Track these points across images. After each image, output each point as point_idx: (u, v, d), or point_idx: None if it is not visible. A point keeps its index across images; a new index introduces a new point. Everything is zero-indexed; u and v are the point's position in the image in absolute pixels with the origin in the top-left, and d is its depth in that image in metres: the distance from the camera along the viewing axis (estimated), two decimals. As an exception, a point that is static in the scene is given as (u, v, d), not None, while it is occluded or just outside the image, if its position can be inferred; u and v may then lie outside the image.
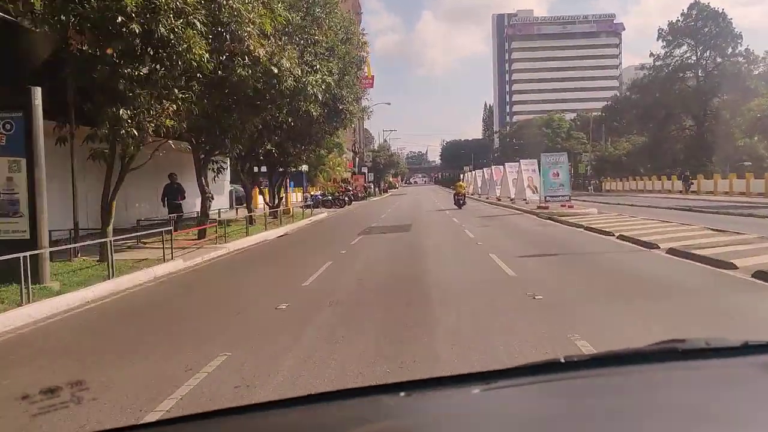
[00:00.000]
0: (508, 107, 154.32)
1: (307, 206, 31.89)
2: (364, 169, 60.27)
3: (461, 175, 61.07)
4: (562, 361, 1.24)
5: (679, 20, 53.92)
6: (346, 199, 41.05)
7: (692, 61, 53.72)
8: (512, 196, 36.18)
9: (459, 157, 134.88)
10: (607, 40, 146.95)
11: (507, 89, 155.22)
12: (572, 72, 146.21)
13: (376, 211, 33.82)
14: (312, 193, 40.46)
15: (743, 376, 1.21)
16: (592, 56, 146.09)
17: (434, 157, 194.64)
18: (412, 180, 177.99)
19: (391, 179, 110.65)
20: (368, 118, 41.21)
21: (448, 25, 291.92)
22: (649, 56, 54.35)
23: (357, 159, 60.30)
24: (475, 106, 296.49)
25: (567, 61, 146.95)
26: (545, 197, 26.38)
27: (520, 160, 35.90)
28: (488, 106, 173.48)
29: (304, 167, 35.03)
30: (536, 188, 31.34)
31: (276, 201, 24.81)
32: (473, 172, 64.35)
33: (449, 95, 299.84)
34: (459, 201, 34.82)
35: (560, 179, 27.35)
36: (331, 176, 45.96)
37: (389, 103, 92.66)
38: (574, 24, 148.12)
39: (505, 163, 43.41)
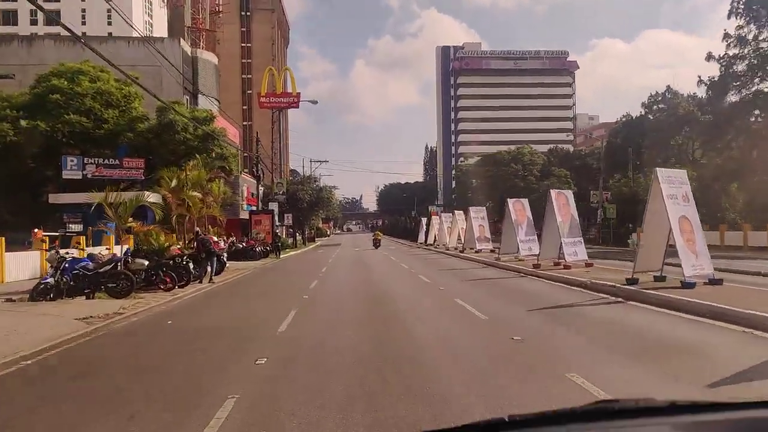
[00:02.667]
0: (453, 148, 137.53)
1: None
2: (274, 206, 37.00)
3: (427, 219, 43.38)
4: (506, 419, 1.33)
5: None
6: (209, 267, 17.84)
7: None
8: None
9: (398, 202, 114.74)
10: (560, 79, 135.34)
11: (452, 128, 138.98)
12: (523, 111, 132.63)
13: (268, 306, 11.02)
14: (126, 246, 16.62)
15: None
16: (544, 95, 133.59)
17: (368, 204, 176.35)
18: (345, 227, 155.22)
19: (321, 225, 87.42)
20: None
21: (382, 74, 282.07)
22: (722, 40, 36.16)
23: (261, 190, 37.22)
24: (411, 153, 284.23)
25: (518, 99, 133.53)
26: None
27: (470, 208, 35.53)
28: (430, 149, 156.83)
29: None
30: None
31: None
32: (439, 215, 42.84)
33: (385, 143, 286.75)
34: (376, 244, 43.63)
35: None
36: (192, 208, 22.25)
37: (316, 102, 72.33)
38: (525, 60, 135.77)
39: (470, 208, 35.92)
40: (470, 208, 36.72)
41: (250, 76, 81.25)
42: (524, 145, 73.69)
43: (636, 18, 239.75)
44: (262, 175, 36.78)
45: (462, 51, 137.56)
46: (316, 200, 43.84)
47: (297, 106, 66.40)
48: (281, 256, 31.13)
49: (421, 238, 51.74)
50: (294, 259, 32.01)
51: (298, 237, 47.16)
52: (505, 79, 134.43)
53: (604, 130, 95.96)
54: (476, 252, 29.73)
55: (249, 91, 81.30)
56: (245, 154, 45.06)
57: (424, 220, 50.78)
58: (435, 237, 43.14)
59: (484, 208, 39.94)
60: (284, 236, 40.82)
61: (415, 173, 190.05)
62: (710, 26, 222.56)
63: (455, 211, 40.32)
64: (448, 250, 36.65)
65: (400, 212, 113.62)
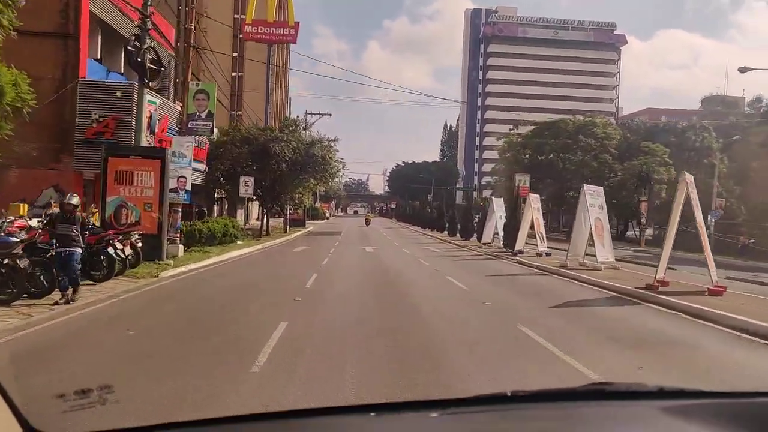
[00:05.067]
0: (478, 125, 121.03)
1: None
2: (188, 145, 19.85)
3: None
4: (509, 394, 1.45)
5: None
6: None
7: None
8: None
9: (412, 181, 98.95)
10: (605, 54, 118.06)
11: (478, 102, 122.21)
12: (559, 89, 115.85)
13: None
14: None
15: (655, 418, 1.45)
16: (585, 72, 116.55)
17: (374, 187, 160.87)
18: (351, 209, 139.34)
19: (316, 203, 71.64)
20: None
21: (395, 56, 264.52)
22: None
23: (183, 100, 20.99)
24: (425, 138, 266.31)
25: (555, 75, 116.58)
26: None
27: (530, 195, 24.37)
28: (449, 127, 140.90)
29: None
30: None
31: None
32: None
33: (396, 125, 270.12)
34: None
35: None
36: None
37: (329, 115, 55.82)
38: (566, 30, 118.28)
39: (530, 195, 24.37)
40: (530, 195, 24.37)
41: None
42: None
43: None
44: (184, 90, 20.32)
45: (495, 15, 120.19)
46: (304, 159, 27.52)
47: (294, 41, 50.51)
48: (181, 267, 14.18)
49: (459, 236, 35.77)
50: (197, 285, 16.78)
51: (274, 221, 31.77)
52: (541, 50, 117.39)
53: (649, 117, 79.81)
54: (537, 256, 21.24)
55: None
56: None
57: (496, 204, 30.92)
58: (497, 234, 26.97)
59: (538, 196, 25.19)
60: (226, 216, 24.96)
61: (429, 154, 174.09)
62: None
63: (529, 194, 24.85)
64: (482, 247, 24.76)
65: (414, 194, 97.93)
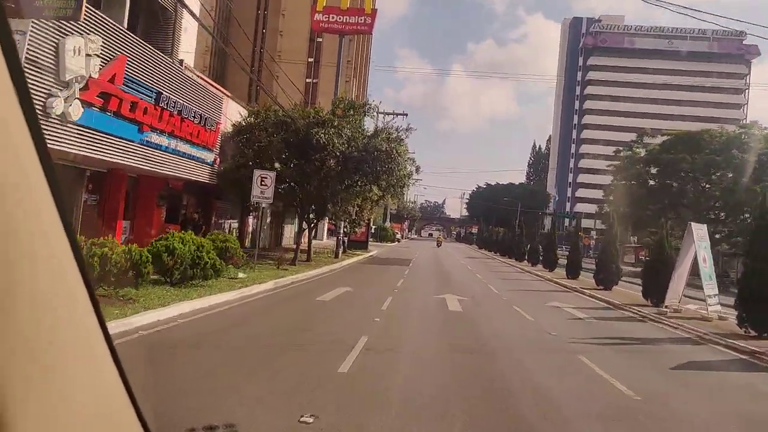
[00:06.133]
0: (574, 146, 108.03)
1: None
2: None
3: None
4: None
5: None
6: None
7: None
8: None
9: (495, 204, 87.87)
10: (732, 68, 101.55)
11: (575, 121, 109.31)
12: (675, 107, 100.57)
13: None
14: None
15: None
16: (707, 88, 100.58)
17: (450, 211, 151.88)
18: (425, 232, 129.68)
19: (388, 224, 63.15)
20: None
21: (478, 82, 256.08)
22: None
23: None
24: (507, 163, 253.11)
25: (668, 90, 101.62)
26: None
27: (691, 224, 14.97)
28: (538, 147, 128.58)
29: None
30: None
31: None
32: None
33: (475, 151, 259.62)
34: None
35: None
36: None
37: (405, 114, 47.05)
38: (684, 39, 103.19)
39: (691, 225, 14.94)
40: (691, 224, 14.81)
41: None
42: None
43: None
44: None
45: (598, 24, 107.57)
46: (362, 155, 18.40)
47: (369, 31, 42.38)
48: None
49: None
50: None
51: (317, 239, 22.98)
52: (652, 62, 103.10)
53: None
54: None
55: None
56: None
57: (697, 233, 20.79)
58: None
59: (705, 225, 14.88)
60: (219, 232, 15.94)
61: (514, 178, 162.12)
62: None
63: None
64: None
65: (497, 218, 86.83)
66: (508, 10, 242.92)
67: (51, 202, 0.77)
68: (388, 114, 32.84)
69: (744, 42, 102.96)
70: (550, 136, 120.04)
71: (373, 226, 53.97)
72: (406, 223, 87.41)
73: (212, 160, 17.21)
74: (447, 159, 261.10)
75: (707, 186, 39.34)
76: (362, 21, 41.26)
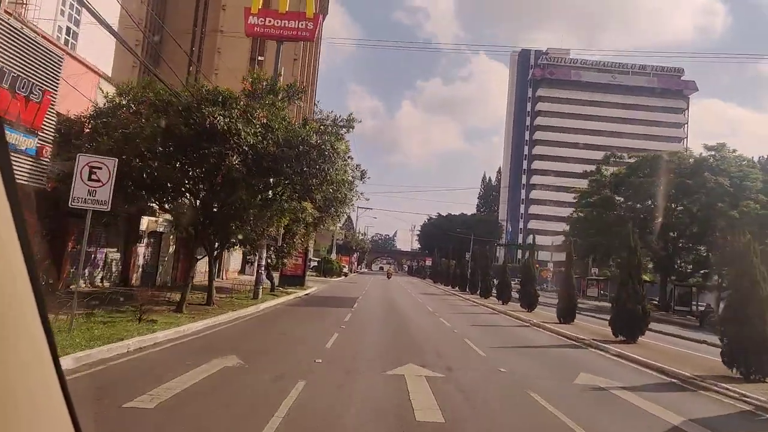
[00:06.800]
0: (524, 176, 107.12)
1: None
2: None
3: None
4: None
5: None
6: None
7: None
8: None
9: (447, 235, 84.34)
10: (672, 102, 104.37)
11: (525, 151, 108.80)
12: (619, 139, 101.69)
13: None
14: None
15: None
16: (648, 121, 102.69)
17: (401, 244, 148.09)
18: (375, 266, 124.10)
19: (333, 256, 57.77)
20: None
21: (428, 116, 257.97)
22: None
23: None
24: (454, 198, 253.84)
25: (612, 123, 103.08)
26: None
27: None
28: (488, 179, 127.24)
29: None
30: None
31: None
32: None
33: (424, 185, 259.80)
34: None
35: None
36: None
37: (359, 121, 42.32)
38: (627, 74, 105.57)
39: None
40: None
41: None
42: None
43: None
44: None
45: (545, 57, 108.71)
46: (284, 153, 12.98)
47: (311, 38, 37.84)
48: None
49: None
50: None
51: (247, 274, 17.55)
52: (599, 96, 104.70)
53: None
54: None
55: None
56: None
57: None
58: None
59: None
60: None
61: (466, 210, 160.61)
62: None
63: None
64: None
65: (452, 251, 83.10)
66: (452, 52, 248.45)
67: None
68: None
69: (682, 78, 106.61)
70: (500, 167, 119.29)
71: (315, 259, 48.40)
72: (355, 255, 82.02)
73: (34, 147, 11.67)
74: (398, 193, 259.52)
75: (679, 209, 36.70)
76: (303, 26, 36.47)
